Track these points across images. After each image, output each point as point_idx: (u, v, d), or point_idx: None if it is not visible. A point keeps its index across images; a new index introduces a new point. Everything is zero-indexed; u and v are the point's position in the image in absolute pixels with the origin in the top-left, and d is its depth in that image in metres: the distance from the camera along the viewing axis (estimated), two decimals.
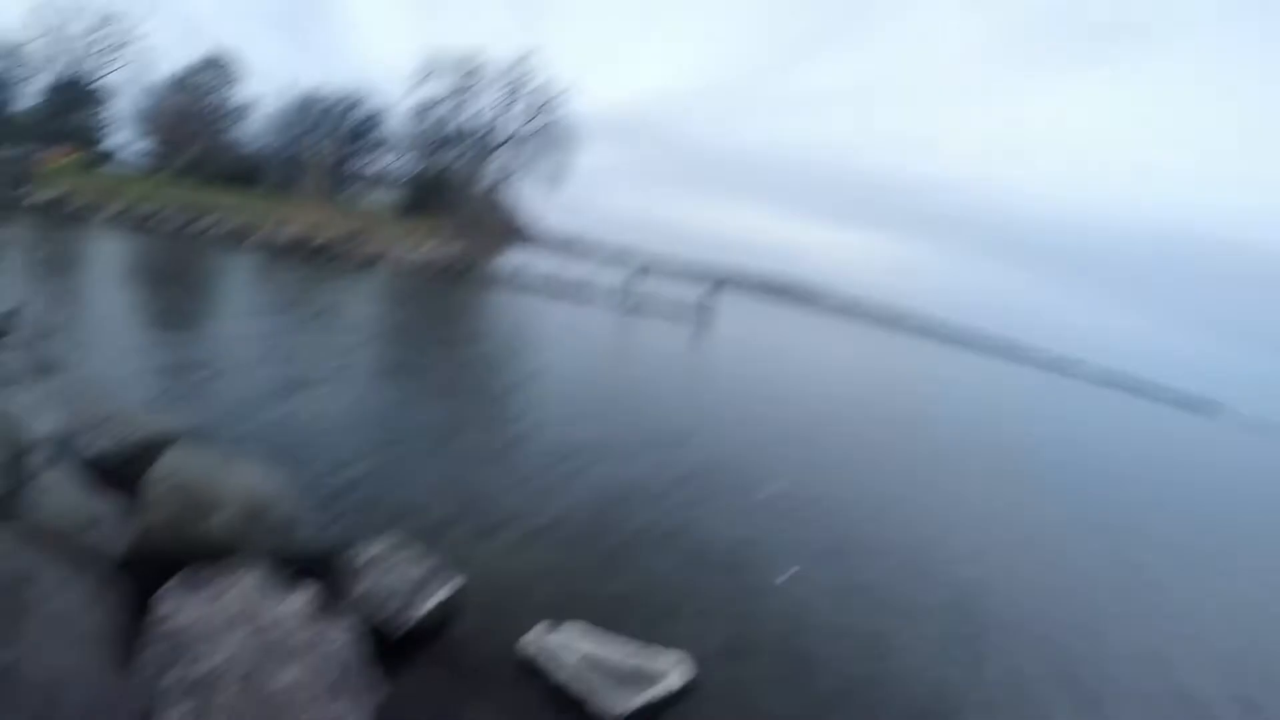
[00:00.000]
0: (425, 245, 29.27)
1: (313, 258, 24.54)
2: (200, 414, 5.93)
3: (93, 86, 34.00)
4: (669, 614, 4.40)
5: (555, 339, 17.50)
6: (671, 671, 3.67)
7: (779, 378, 18.29)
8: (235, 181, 32.06)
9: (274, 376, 8.22)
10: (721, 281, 33.59)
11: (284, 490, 3.81)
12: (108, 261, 17.18)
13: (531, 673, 3.52)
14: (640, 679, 3.57)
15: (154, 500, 3.37)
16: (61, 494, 3.32)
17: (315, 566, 3.64)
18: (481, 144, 36.17)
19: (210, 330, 10.77)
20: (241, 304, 14.24)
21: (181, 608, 2.97)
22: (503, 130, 36.05)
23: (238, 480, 3.62)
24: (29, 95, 32.98)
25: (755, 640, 4.35)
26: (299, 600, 3.13)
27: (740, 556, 5.57)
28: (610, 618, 4.08)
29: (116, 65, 34.10)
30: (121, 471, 3.86)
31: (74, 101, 32.98)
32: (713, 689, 3.72)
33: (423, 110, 35.68)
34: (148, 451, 3.95)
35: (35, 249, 16.71)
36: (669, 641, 3.97)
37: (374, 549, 3.89)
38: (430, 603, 3.64)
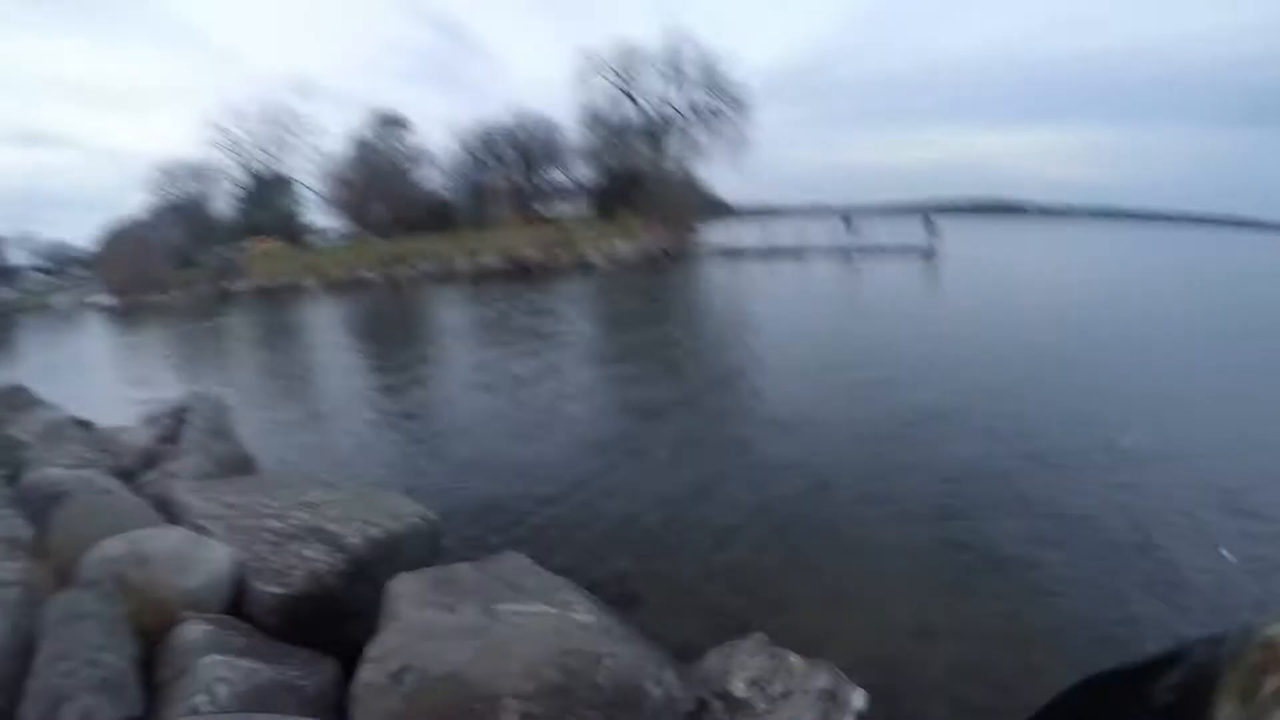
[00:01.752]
0: (626, 240, 29.63)
1: (518, 276, 25.30)
2: (436, 495, 4.60)
3: (278, 177, 38.26)
4: None
5: (785, 298, 16.26)
6: None
7: (1044, 292, 15.92)
8: (430, 225, 33.61)
9: (495, 421, 7.20)
10: (930, 210, 30.45)
11: (600, 638, 2.17)
12: (308, 329, 18.20)
13: None
14: None
15: (368, 687, 1.83)
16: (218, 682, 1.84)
17: None
18: (657, 130, 35.39)
19: (423, 375, 10.24)
20: (449, 339, 13.93)
21: None
22: (675, 111, 35.05)
23: (522, 647, 1.92)
24: (227, 198, 38.13)
25: None
26: None
27: None
28: None
29: (294, 151, 37.97)
30: (323, 624, 2.46)
31: (265, 195, 37.71)
32: None
33: (591, 112, 35.49)
34: (361, 589, 2.54)
35: (236, 330, 18.32)
36: None
37: (742, 670, 2.36)
38: None
